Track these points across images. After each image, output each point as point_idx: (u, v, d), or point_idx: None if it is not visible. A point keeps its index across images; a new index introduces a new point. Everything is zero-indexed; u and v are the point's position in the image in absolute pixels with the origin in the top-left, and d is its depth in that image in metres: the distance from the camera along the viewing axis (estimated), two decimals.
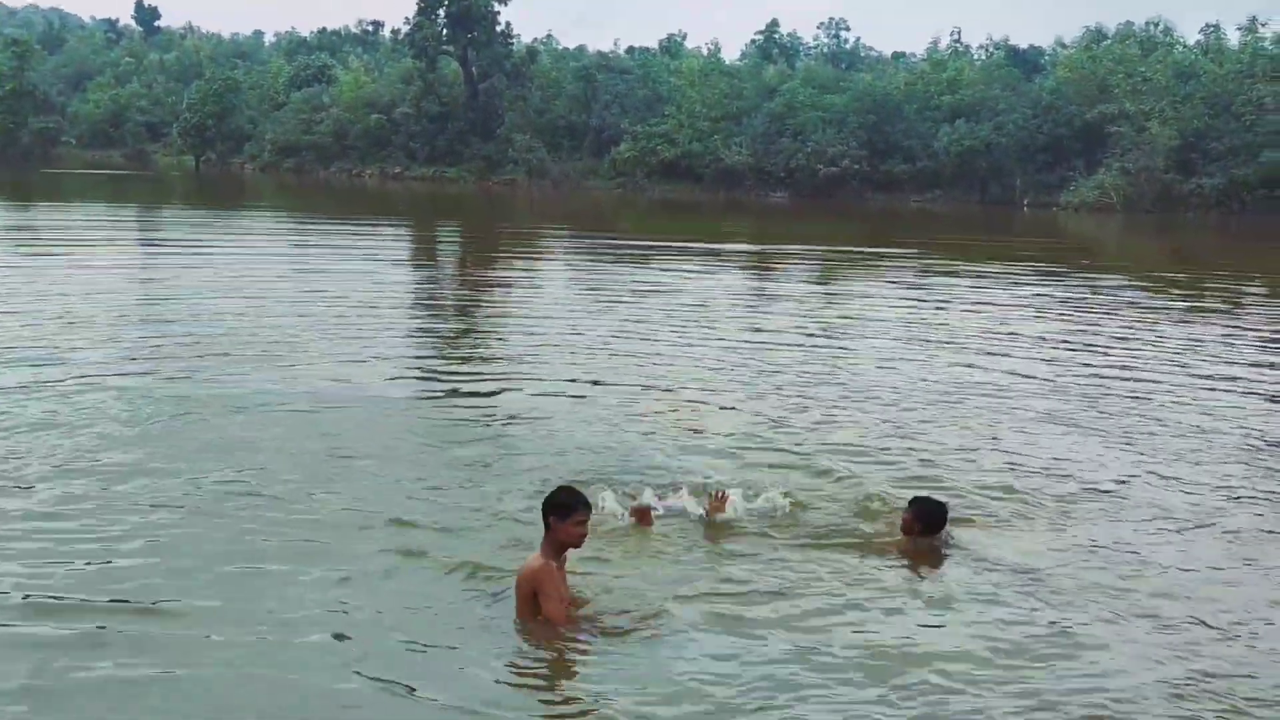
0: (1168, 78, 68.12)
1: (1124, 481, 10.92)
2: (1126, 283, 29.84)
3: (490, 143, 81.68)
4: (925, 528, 8.81)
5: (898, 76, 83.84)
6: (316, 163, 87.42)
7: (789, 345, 18.42)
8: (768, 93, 79.84)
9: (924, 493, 9.39)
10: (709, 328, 20.06)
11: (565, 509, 6.94)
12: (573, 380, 14.93)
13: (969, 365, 17.02)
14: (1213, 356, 18.35)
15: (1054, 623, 7.56)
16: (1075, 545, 9.07)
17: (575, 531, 6.98)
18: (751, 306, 24.00)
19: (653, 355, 17.02)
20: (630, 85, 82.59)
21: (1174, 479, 11.08)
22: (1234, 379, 16.52)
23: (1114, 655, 7.13)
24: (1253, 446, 12.45)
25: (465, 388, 14.54)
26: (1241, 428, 13.32)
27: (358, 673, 6.56)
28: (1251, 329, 21.72)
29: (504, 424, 12.62)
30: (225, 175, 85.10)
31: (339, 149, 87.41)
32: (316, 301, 21.02)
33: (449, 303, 23.66)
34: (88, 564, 7.98)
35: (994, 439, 12.48)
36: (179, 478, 9.85)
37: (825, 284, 29.62)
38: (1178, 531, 9.55)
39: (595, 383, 14.85)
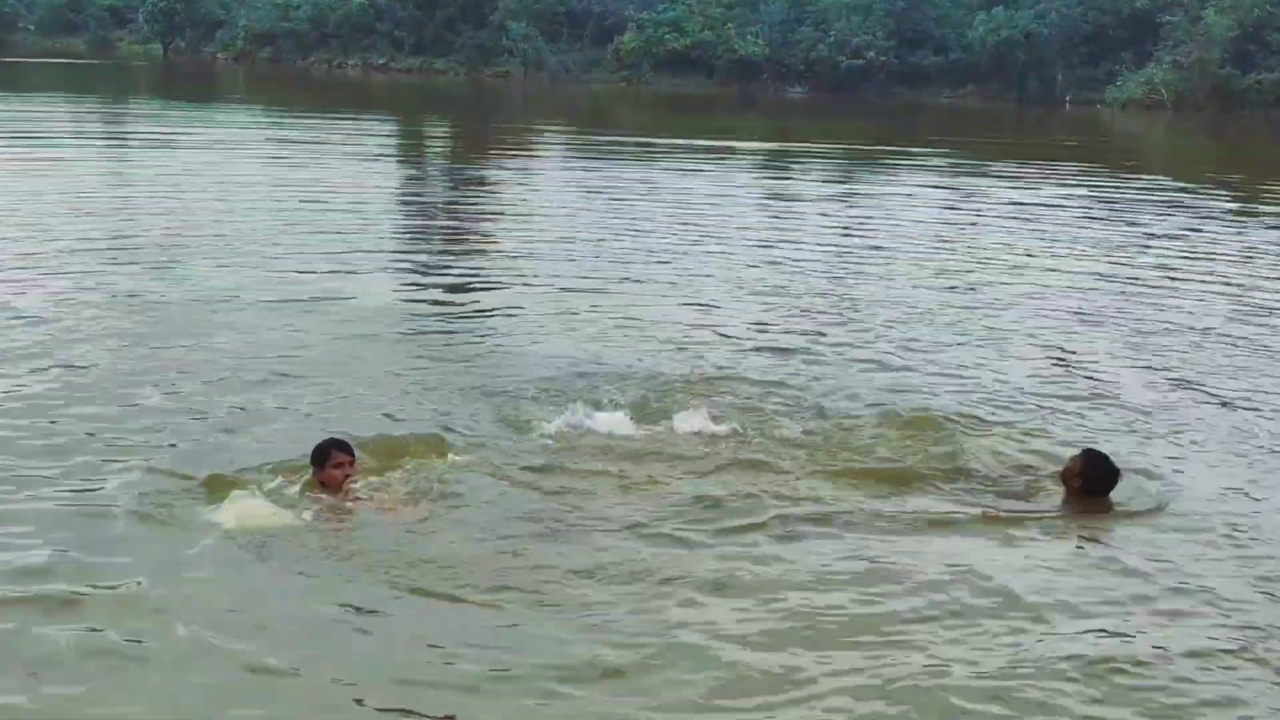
0: None
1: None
2: (1175, 188, 29.47)
3: (483, 31, 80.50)
4: (1087, 484, 8.22)
5: None
6: (294, 52, 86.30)
7: (803, 254, 18.20)
8: None
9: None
10: (717, 233, 19.82)
11: (319, 457, 7.70)
12: (563, 287, 14.79)
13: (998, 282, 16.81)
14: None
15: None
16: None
17: (335, 474, 7.65)
18: (764, 210, 23.74)
19: (654, 262, 16.82)
20: None
21: None
22: None
23: None
24: None
25: (446, 292, 14.41)
26: None
27: None
28: None
29: (482, 328, 12.66)
30: (195, 65, 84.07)
31: (318, 37, 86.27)
32: (292, 201, 20.74)
33: (435, 203, 23.39)
34: None
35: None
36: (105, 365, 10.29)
37: (847, 186, 29.29)
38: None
39: (586, 289, 14.75)
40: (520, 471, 8.27)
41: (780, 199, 25.85)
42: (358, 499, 7.67)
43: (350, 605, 6.42)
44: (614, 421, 9.21)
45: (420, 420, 9.29)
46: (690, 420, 9.25)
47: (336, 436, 7.99)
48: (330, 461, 7.67)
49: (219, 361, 10.66)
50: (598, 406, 9.45)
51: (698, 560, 7.12)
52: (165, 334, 11.53)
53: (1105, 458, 8.29)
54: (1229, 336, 13.32)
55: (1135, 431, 9.77)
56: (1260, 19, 63.50)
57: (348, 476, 7.70)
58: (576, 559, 7.05)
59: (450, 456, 8.31)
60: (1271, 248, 19.89)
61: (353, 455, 7.78)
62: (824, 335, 12.70)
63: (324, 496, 7.64)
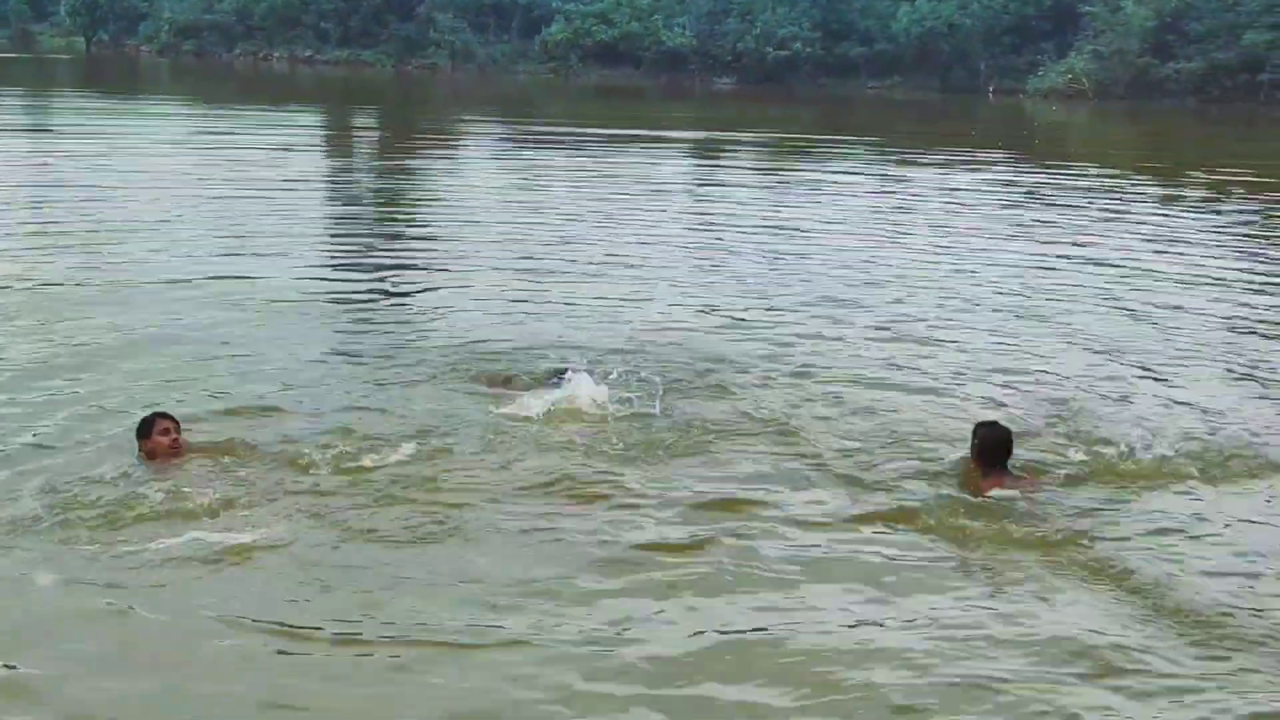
0: None
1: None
2: (1096, 173, 29.80)
3: (409, 23, 79.99)
4: (984, 456, 8.07)
5: None
6: (219, 44, 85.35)
7: (730, 240, 18.24)
8: None
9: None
10: (644, 219, 19.79)
11: (140, 432, 7.94)
12: (489, 269, 14.79)
13: (931, 261, 16.92)
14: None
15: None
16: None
17: (159, 441, 7.88)
18: (692, 196, 23.77)
19: (580, 247, 16.76)
20: None
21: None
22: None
23: None
24: None
25: (364, 277, 14.34)
26: None
27: None
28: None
29: (404, 311, 12.65)
30: (118, 58, 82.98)
31: (243, 29, 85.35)
32: (218, 192, 20.42)
33: (356, 192, 23.22)
34: None
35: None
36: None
37: (773, 173, 29.36)
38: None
39: (511, 273, 14.70)
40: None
41: (708, 186, 25.88)
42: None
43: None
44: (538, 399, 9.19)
45: (333, 409, 9.21)
46: (593, 391, 9.24)
47: (162, 410, 8.25)
48: (156, 429, 7.90)
49: (111, 345, 10.66)
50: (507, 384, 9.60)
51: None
52: (77, 316, 11.51)
53: (992, 424, 8.27)
54: (1155, 312, 13.50)
55: (1054, 410, 9.85)
56: (1178, 9, 64.33)
57: (174, 442, 7.91)
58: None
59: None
60: (1189, 230, 20.13)
61: (178, 425, 8.02)
62: (746, 318, 12.73)
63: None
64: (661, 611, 6.29)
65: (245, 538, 6.80)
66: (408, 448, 8.20)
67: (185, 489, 7.34)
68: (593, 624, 6.11)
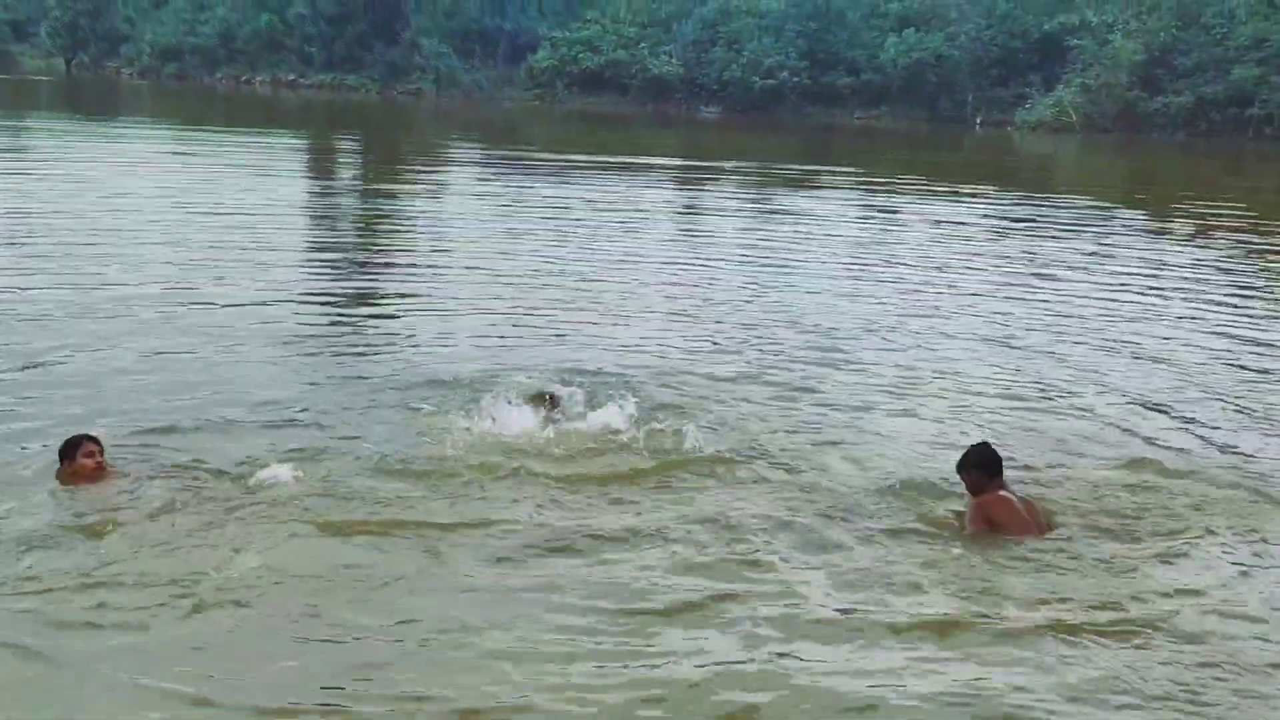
0: None
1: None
2: (1085, 205, 29.51)
3: (395, 48, 79.73)
4: (971, 484, 7.89)
5: None
6: (201, 68, 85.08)
7: (715, 268, 17.87)
8: None
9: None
10: (630, 246, 19.42)
11: (63, 455, 7.77)
12: (468, 293, 14.52)
13: (913, 291, 16.52)
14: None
15: None
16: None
17: (85, 464, 7.73)
18: (678, 224, 23.44)
19: (564, 272, 16.40)
20: None
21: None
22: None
23: None
24: None
25: (349, 300, 14.08)
26: None
27: None
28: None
29: (378, 336, 12.36)
30: (99, 80, 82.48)
31: (226, 53, 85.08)
32: (197, 216, 19.95)
33: (338, 215, 22.78)
34: None
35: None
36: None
37: (760, 202, 28.99)
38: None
39: (492, 296, 14.42)
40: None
41: (694, 213, 25.56)
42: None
43: None
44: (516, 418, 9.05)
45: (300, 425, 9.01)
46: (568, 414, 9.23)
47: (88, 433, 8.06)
48: (81, 451, 7.77)
49: (57, 365, 10.42)
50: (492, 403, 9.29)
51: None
52: (41, 335, 11.32)
53: (967, 452, 8.00)
54: (1140, 343, 13.12)
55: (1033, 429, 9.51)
56: (1167, 43, 64.41)
57: (98, 465, 7.80)
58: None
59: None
60: (1182, 263, 19.80)
61: (101, 447, 7.87)
62: (727, 345, 12.45)
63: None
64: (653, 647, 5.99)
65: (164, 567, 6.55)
66: (350, 467, 8.09)
67: (107, 511, 7.18)
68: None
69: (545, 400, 9.35)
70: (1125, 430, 9.97)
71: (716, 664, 5.86)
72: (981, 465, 7.82)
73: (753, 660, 5.92)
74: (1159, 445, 9.57)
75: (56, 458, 7.82)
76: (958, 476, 7.97)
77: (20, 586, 6.29)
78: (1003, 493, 7.69)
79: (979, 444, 8.08)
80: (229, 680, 5.53)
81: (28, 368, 10.24)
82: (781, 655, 5.97)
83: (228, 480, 7.79)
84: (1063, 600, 6.62)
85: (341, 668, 5.70)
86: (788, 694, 5.64)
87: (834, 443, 9.20)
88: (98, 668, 5.62)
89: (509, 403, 9.25)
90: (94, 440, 7.89)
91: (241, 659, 5.74)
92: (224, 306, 13.14)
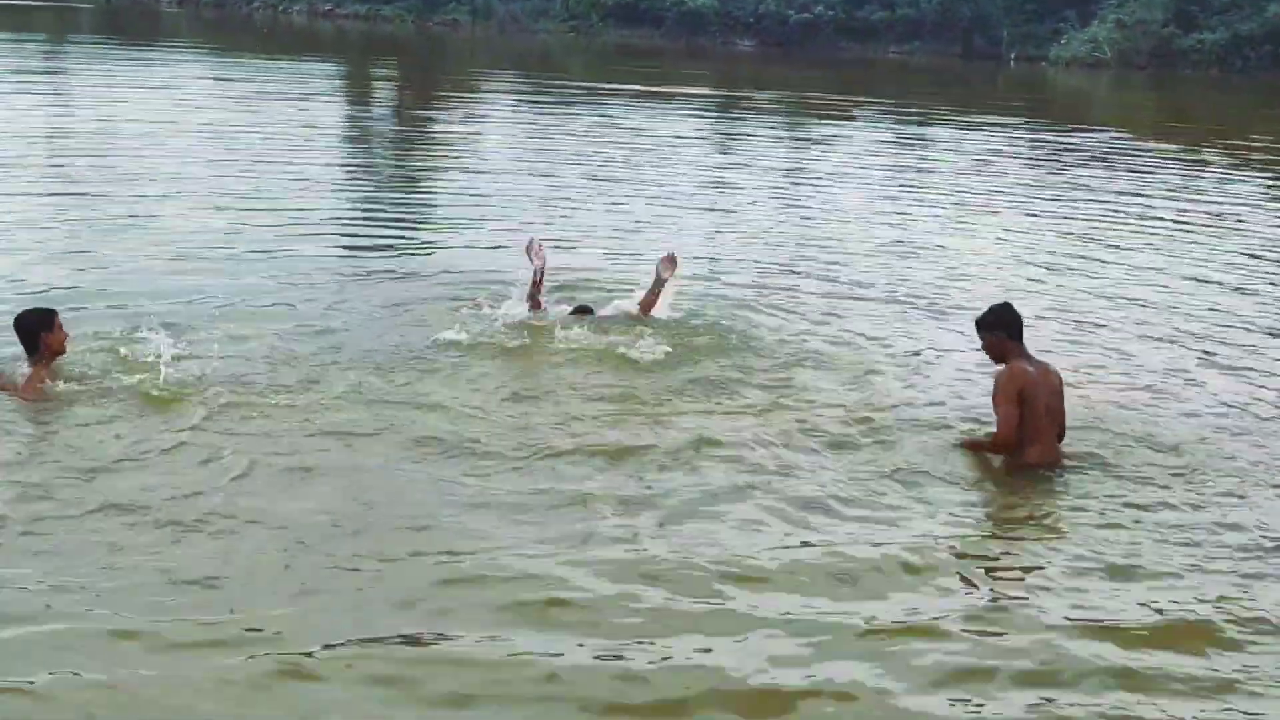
0: None
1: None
2: (1114, 139, 29.68)
3: None
4: (994, 340, 7.63)
5: None
6: None
7: (748, 196, 18.25)
8: None
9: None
10: (664, 175, 19.80)
11: (43, 324, 7.75)
12: (507, 228, 14.68)
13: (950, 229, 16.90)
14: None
15: None
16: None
17: (61, 336, 7.81)
18: (715, 153, 23.76)
19: (598, 197, 16.80)
20: None
21: None
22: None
23: None
24: None
25: (388, 230, 14.41)
26: None
27: None
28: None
29: (416, 252, 12.92)
30: (138, 8, 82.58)
31: None
32: (236, 145, 20.32)
33: (370, 144, 23.21)
34: None
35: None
36: None
37: (794, 133, 29.28)
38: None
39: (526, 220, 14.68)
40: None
41: (727, 144, 25.85)
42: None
43: None
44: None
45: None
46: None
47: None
48: (56, 325, 7.82)
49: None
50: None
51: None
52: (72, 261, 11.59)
53: (988, 312, 7.76)
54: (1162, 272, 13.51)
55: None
56: None
57: (65, 337, 7.90)
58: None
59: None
60: (1212, 200, 20.08)
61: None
62: (758, 274, 12.71)
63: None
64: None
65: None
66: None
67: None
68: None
69: (580, 313, 9.94)
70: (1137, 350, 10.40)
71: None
72: (1005, 325, 7.56)
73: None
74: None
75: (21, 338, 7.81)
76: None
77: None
78: (1029, 367, 7.43)
79: (1000, 304, 7.81)
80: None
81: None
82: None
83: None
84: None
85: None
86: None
87: (856, 378, 9.16)
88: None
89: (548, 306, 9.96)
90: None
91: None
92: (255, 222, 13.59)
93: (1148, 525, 6.73)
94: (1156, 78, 58.40)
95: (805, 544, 6.39)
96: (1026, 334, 7.68)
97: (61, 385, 7.75)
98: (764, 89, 40.79)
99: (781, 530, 6.54)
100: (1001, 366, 7.56)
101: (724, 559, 6.14)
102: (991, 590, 6.09)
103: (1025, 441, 7.39)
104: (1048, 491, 7.23)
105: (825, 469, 7.38)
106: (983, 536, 6.80)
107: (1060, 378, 7.69)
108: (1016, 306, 7.78)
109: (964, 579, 6.15)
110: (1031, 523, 6.85)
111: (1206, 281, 13.33)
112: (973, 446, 7.67)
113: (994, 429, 7.54)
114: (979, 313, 7.88)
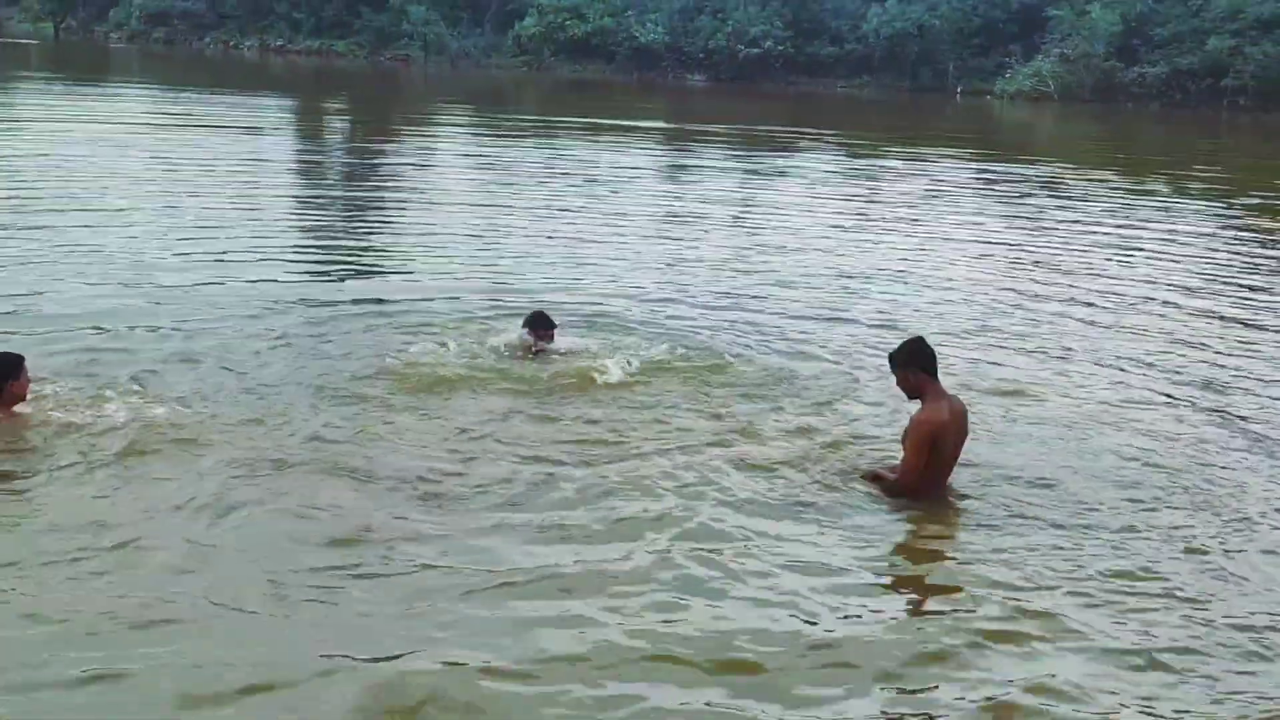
0: None
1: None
2: (1056, 171, 30.00)
3: (383, 14, 79.58)
4: (907, 377, 7.39)
5: None
6: (189, 33, 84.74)
7: (700, 227, 18.29)
8: None
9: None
10: (616, 206, 19.83)
11: (10, 373, 7.65)
12: (454, 251, 14.85)
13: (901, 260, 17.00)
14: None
15: None
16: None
17: (26, 383, 7.74)
18: (664, 184, 23.82)
19: (555, 237, 16.78)
20: None
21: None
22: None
23: None
24: None
25: (338, 260, 14.41)
26: None
27: None
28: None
29: (366, 284, 12.68)
30: (88, 45, 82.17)
31: (214, 18, 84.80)
32: (183, 177, 20.21)
33: (323, 176, 23.09)
34: None
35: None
36: None
37: (746, 165, 29.40)
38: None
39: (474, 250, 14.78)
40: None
41: (680, 175, 25.94)
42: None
43: None
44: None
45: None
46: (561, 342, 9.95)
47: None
48: (21, 375, 7.73)
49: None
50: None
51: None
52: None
53: (903, 346, 7.52)
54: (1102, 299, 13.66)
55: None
56: (1144, 14, 64.84)
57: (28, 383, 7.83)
58: None
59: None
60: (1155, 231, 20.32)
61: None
62: (710, 303, 12.78)
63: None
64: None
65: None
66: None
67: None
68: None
69: (538, 331, 9.86)
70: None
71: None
72: (920, 361, 7.32)
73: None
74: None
75: None
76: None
77: None
78: (944, 411, 7.22)
79: (913, 338, 7.57)
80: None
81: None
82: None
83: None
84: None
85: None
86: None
87: (819, 403, 9.20)
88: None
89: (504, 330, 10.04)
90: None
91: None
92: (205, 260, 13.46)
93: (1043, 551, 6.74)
94: (1099, 110, 59.12)
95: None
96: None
97: (19, 429, 7.62)
98: (715, 122, 40.95)
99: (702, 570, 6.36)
100: (918, 405, 7.37)
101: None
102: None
103: (923, 486, 7.30)
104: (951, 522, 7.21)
105: (756, 498, 7.33)
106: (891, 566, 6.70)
107: (966, 413, 7.51)
108: (939, 338, 7.69)
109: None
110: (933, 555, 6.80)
111: (1150, 300, 13.61)
112: (873, 479, 7.54)
113: (898, 462, 7.45)
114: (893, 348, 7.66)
